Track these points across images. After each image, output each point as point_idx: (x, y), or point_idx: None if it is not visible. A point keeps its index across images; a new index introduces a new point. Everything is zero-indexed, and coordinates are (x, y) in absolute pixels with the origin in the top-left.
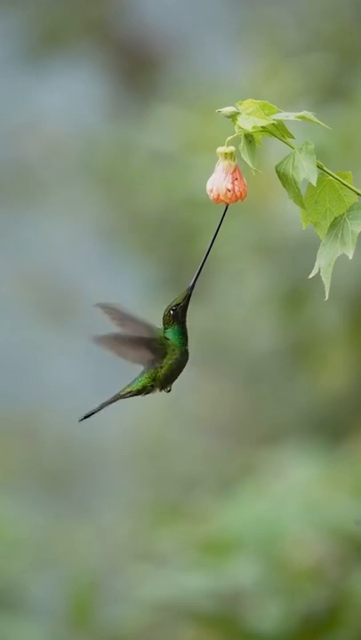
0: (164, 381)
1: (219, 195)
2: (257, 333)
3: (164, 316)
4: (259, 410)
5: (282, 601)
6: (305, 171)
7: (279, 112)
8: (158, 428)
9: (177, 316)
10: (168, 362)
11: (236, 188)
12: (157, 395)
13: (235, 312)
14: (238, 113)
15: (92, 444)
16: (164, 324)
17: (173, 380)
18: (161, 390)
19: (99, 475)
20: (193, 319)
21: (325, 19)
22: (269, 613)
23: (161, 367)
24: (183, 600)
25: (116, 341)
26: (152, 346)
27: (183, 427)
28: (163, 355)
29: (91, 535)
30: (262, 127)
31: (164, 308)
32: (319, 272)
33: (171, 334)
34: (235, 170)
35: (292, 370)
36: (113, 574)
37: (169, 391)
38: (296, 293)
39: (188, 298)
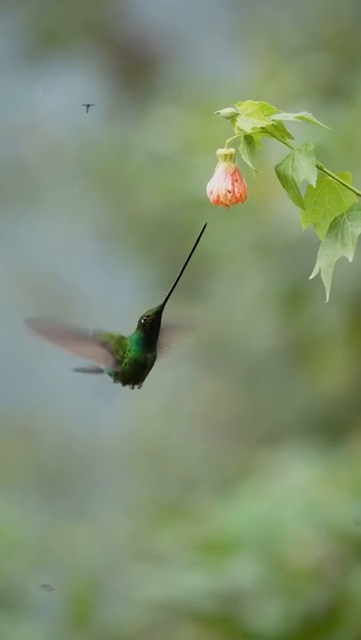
0: (124, 379)
1: (219, 196)
2: (257, 333)
3: (139, 320)
4: (258, 410)
5: (282, 601)
6: (304, 172)
7: (278, 113)
8: (158, 428)
9: (145, 325)
10: (124, 361)
11: (237, 190)
12: (157, 395)
13: (235, 312)
14: (237, 114)
15: (91, 445)
16: (136, 327)
17: (136, 380)
18: (124, 385)
19: (98, 475)
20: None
21: (325, 19)
22: (269, 613)
23: (120, 366)
24: (183, 600)
25: (57, 331)
26: (108, 345)
27: (183, 427)
28: (121, 355)
29: (91, 535)
30: (262, 128)
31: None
32: (319, 272)
33: (133, 339)
34: (235, 171)
35: (292, 370)
36: (113, 574)
37: (139, 387)
38: (296, 293)
39: (158, 314)
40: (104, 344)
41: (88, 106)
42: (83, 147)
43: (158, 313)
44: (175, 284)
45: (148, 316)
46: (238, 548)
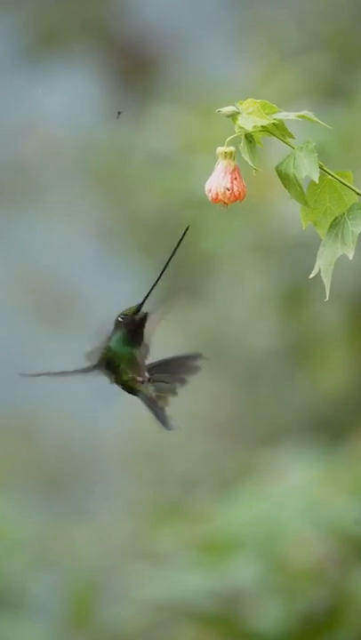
0: (127, 382)
1: (217, 194)
2: (257, 333)
3: (115, 319)
4: (258, 410)
5: (282, 601)
6: (306, 168)
7: (280, 112)
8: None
9: (123, 324)
10: (115, 364)
11: (235, 188)
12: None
13: (235, 312)
14: (239, 112)
15: (91, 445)
16: (114, 327)
17: (137, 374)
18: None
19: (98, 475)
20: (192, 318)
21: (325, 19)
22: (269, 613)
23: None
24: (183, 600)
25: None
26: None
27: (183, 427)
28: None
29: (91, 535)
30: (263, 127)
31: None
32: (319, 272)
33: (115, 340)
34: (234, 169)
35: (292, 370)
36: (113, 574)
37: (143, 381)
38: (296, 293)
39: (137, 312)
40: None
41: (119, 113)
42: (83, 147)
43: (137, 312)
44: (156, 282)
45: (126, 315)
46: (238, 547)
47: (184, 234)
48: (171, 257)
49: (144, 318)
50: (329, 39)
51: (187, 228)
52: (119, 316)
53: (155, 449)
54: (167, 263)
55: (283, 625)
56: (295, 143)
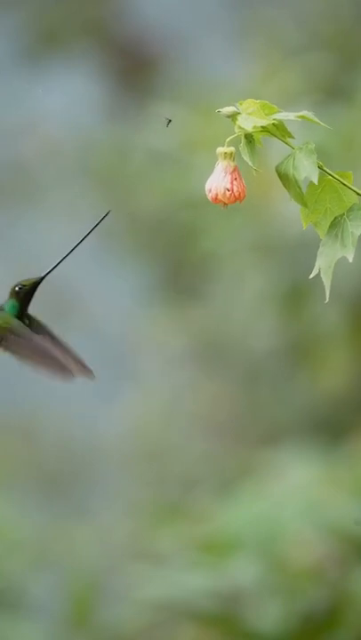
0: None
1: (217, 195)
2: (257, 333)
3: (11, 288)
4: (258, 410)
5: (282, 601)
6: (306, 170)
7: (279, 112)
8: (158, 428)
9: (18, 294)
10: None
11: (235, 189)
12: (157, 395)
13: (235, 312)
14: (238, 113)
15: (91, 445)
16: (9, 295)
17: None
18: None
19: (98, 475)
20: (192, 318)
21: (325, 19)
22: (269, 613)
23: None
24: (183, 600)
25: None
26: None
27: (183, 427)
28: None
29: (91, 535)
30: (262, 127)
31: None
32: (319, 271)
33: (9, 306)
34: (234, 170)
35: (292, 370)
36: (113, 574)
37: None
38: (296, 293)
39: (34, 286)
40: None
41: (169, 121)
42: (83, 147)
43: (36, 284)
44: (65, 256)
45: (24, 285)
46: (238, 547)
47: (103, 217)
48: (87, 234)
49: (34, 288)
50: (329, 39)
51: (107, 213)
52: (16, 286)
53: (155, 449)
54: (82, 239)
55: (283, 625)
56: (295, 143)
